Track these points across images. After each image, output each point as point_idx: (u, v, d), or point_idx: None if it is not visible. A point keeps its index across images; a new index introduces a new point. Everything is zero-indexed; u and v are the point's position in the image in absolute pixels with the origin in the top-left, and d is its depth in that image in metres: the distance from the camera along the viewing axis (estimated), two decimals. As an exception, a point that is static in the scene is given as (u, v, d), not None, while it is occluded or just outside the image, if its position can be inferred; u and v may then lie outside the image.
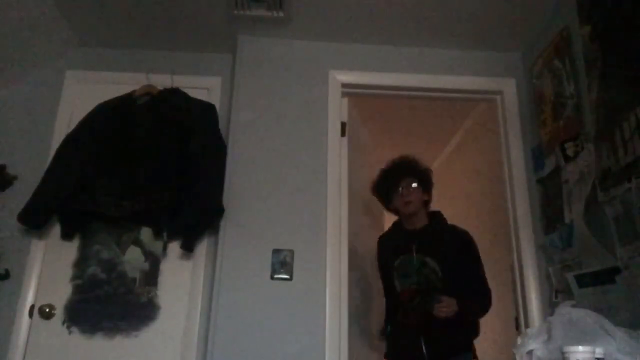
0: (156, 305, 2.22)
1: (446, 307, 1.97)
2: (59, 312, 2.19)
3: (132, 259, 2.27)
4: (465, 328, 2.07)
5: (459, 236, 2.18)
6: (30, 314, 2.18)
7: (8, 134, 2.41)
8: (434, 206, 2.39)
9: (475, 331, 2.13)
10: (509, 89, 2.51)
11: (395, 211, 2.28)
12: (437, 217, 2.26)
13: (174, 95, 2.39)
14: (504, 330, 2.67)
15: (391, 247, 2.26)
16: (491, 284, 2.27)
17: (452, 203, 2.40)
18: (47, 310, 2.18)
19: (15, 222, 2.17)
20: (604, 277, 1.73)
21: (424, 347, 2.03)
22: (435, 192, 2.40)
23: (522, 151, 2.41)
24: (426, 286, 2.07)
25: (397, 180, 2.21)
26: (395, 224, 2.33)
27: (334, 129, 2.37)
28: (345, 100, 2.47)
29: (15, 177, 2.32)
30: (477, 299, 2.10)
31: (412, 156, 2.28)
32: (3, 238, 2.25)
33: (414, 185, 2.19)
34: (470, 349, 2.08)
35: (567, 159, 2.03)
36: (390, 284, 2.22)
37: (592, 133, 1.87)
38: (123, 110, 2.33)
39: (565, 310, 1.41)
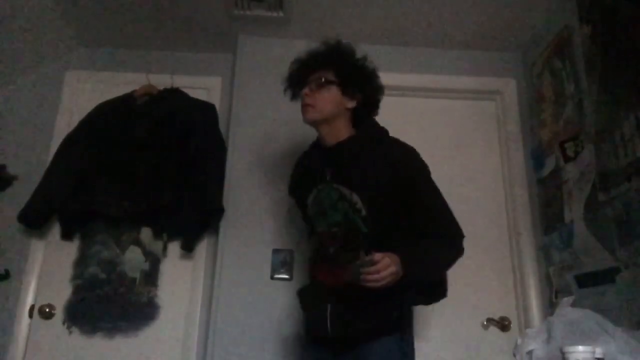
0: (156, 305, 2.22)
1: (380, 271, 1.25)
2: (59, 312, 2.19)
3: (132, 259, 2.27)
4: (394, 298, 1.38)
5: (397, 153, 1.49)
6: (30, 314, 2.18)
7: (8, 134, 2.41)
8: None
9: (409, 300, 1.45)
10: (509, 89, 2.51)
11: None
12: (366, 127, 1.58)
13: (174, 95, 2.39)
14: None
15: (303, 175, 1.66)
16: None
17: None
18: (47, 310, 2.18)
19: (15, 222, 2.17)
20: (604, 277, 1.73)
21: (328, 319, 1.44)
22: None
23: (522, 151, 2.41)
24: (349, 229, 1.46)
25: (304, 77, 1.58)
26: (313, 142, 1.68)
27: (334, 129, 2.37)
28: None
29: (15, 177, 2.32)
30: (435, 247, 1.42)
31: (338, 41, 1.62)
32: (3, 238, 2.25)
33: (321, 81, 1.53)
34: (399, 329, 1.42)
35: (567, 159, 2.03)
36: (310, 225, 1.63)
37: (592, 133, 1.87)
38: (123, 110, 2.33)
39: (565, 310, 1.41)
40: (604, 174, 1.77)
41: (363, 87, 1.58)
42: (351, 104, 1.56)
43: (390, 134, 2.45)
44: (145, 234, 2.30)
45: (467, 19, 2.33)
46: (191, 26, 2.42)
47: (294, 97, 1.63)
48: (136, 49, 2.59)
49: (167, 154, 2.24)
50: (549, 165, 2.18)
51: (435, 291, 1.55)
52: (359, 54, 1.63)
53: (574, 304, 1.65)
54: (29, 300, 2.21)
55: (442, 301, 2.20)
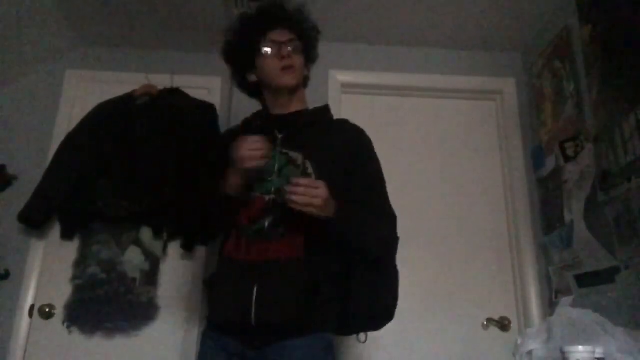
0: (156, 305, 2.22)
1: (305, 190, 1.20)
2: (59, 312, 2.19)
3: (132, 259, 2.26)
4: (328, 287, 1.31)
5: (349, 129, 1.52)
6: (30, 314, 2.18)
7: (8, 134, 2.40)
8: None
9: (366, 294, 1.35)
10: (509, 89, 2.52)
11: (253, 89, 1.55)
12: (321, 107, 1.58)
13: (174, 95, 2.39)
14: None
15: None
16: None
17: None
18: (47, 310, 2.18)
19: (15, 222, 2.17)
20: (604, 277, 1.73)
21: (254, 304, 1.26)
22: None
23: (522, 151, 2.41)
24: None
25: (266, 30, 1.46)
26: (255, 114, 1.60)
27: (334, 129, 2.37)
28: (345, 99, 2.48)
29: (15, 177, 2.32)
30: (375, 217, 1.37)
31: (298, 3, 1.54)
32: (3, 238, 2.25)
33: (296, 43, 1.46)
34: (328, 327, 1.32)
35: (567, 159, 2.03)
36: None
37: (592, 133, 1.87)
38: (123, 110, 2.33)
39: (565, 310, 1.41)
40: (604, 174, 1.77)
41: (315, 55, 1.57)
42: (306, 71, 1.55)
43: (390, 134, 2.48)
44: (145, 234, 2.29)
45: (467, 19, 2.34)
46: (191, 26, 2.42)
47: (247, 58, 1.48)
48: (136, 49, 2.59)
49: (167, 154, 2.23)
50: (549, 165, 2.18)
51: (383, 312, 1.40)
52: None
53: (574, 304, 1.66)
54: (29, 300, 2.20)
55: (442, 301, 2.24)
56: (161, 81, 2.41)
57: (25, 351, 2.13)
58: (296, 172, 1.35)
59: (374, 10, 2.29)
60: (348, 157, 1.42)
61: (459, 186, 2.42)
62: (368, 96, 2.54)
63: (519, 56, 2.56)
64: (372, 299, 1.35)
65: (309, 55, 1.53)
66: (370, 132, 2.45)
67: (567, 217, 2.00)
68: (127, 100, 2.36)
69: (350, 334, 1.44)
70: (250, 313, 1.26)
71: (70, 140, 2.30)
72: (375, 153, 1.51)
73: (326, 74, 2.46)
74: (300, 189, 1.20)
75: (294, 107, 1.50)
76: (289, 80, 1.45)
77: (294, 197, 1.20)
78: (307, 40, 1.51)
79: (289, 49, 1.44)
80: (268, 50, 1.44)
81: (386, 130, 2.49)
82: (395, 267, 1.42)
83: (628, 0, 1.68)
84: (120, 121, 2.30)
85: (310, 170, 1.37)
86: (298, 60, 1.46)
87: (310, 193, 1.21)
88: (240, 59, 1.52)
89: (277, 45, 1.44)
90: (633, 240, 1.59)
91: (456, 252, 2.30)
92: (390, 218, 1.42)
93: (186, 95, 2.39)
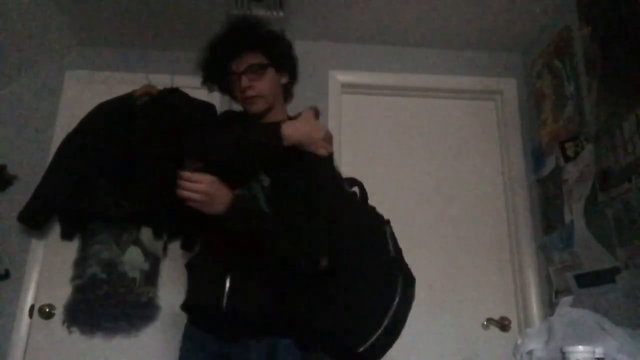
0: (156, 305, 2.22)
1: (185, 184, 1.28)
2: (59, 312, 2.19)
3: (132, 259, 2.27)
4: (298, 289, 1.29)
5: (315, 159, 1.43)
6: (30, 314, 2.18)
7: (8, 134, 2.40)
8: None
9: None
10: (509, 89, 2.52)
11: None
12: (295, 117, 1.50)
13: (174, 95, 2.38)
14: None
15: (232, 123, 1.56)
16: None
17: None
18: (47, 310, 2.18)
19: (15, 222, 2.17)
20: (604, 277, 1.73)
21: (225, 294, 1.30)
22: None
23: (522, 151, 2.41)
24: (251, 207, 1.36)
25: (227, 61, 1.44)
26: (237, 114, 1.61)
27: (333, 129, 2.37)
28: (345, 99, 2.48)
29: (15, 177, 2.32)
30: (299, 228, 1.28)
31: (252, 17, 1.56)
32: (3, 238, 2.25)
33: (260, 67, 1.43)
34: (294, 333, 1.28)
35: (567, 159, 2.03)
36: None
37: (592, 133, 1.87)
38: (123, 110, 2.33)
39: (565, 310, 1.41)
40: (604, 174, 1.77)
41: (289, 58, 1.53)
42: (285, 79, 1.53)
43: (390, 134, 2.48)
44: (145, 234, 2.29)
45: (467, 19, 2.33)
46: (191, 26, 2.42)
47: (224, 84, 1.51)
48: (136, 49, 2.59)
49: (167, 153, 2.23)
50: (549, 165, 2.18)
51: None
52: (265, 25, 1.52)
53: (574, 304, 1.65)
54: (29, 300, 2.20)
55: (442, 301, 2.24)
56: (161, 81, 2.41)
57: (25, 351, 2.13)
58: (257, 188, 1.38)
59: (374, 10, 2.29)
60: (305, 171, 1.37)
61: (459, 186, 2.42)
62: (368, 96, 2.54)
63: (519, 56, 2.56)
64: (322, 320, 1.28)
65: (280, 67, 1.49)
66: (370, 132, 2.49)
67: (567, 217, 2.00)
68: (127, 100, 2.36)
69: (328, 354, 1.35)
70: (222, 301, 1.30)
71: (70, 140, 2.30)
72: (332, 168, 1.45)
73: (326, 74, 2.47)
74: (185, 183, 1.27)
75: (272, 119, 1.47)
76: (253, 109, 1.46)
77: (178, 191, 1.27)
78: (274, 56, 1.47)
79: (247, 80, 1.42)
80: (231, 82, 1.46)
81: (386, 130, 2.50)
82: (368, 291, 1.32)
83: (628, 0, 1.68)
84: (120, 121, 2.30)
85: (266, 183, 1.38)
86: (262, 85, 1.44)
87: (189, 187, 1.27)
88: (215, 84, 1.55)
89: (237, 76, 1.43)
90: (633, 240, 1.59)
91: (456, 253, 2.30)
92: (319, 231, 1.29)
93: (186, 95, 2.39)
